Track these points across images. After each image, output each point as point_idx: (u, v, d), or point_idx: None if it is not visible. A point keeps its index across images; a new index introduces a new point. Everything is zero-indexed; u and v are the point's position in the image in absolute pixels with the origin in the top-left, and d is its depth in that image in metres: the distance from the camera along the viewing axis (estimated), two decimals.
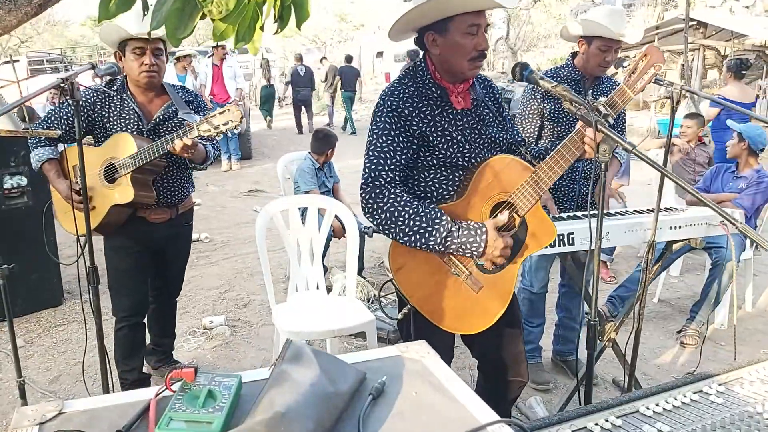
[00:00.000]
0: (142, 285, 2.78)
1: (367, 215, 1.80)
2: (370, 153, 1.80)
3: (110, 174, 2.52)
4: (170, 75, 8.72)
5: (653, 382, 3.09)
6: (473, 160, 1.86)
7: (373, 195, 1.77)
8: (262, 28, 1.03)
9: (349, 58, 14.60)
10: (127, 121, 2.58)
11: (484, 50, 1.78)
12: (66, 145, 2.63)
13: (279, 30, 1.08)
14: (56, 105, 2.57)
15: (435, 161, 1.84)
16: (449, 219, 1.76)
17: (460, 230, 1.75)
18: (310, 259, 3.11)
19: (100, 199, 2.53)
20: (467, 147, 1.86)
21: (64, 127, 2.53)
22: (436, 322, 1.85)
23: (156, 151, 2.41)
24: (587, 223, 2.40)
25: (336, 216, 3.38)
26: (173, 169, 2.72)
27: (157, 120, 2.63)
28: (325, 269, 3.68)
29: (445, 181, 1.87)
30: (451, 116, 1.85)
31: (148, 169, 2.53)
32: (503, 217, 1.79)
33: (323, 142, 4.46)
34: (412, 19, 1.78)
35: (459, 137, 1.84)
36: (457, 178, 1.87)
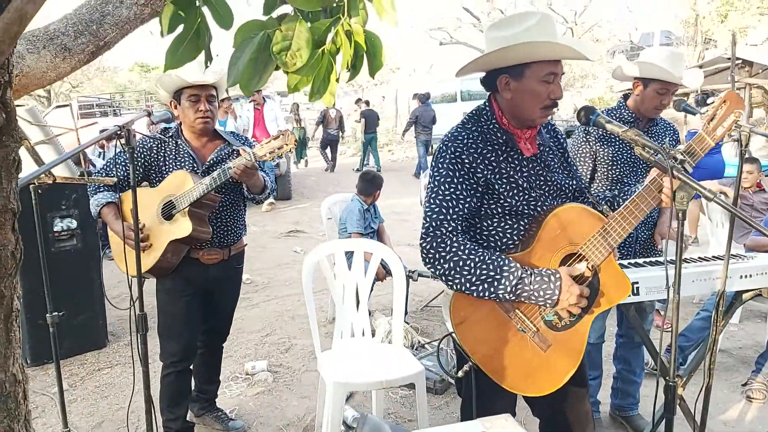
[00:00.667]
0: (192, 330, 2.75)
1: (429, 266, 1.74)
2: (431, 201, 1.75)
3: (168, 211, 2.57)
4: None
5: None
6: (539, 208, 1.79)
7: (434, 245, 1.71)
8: (337, 80, 0.99)
9: (367, 102, 15.54)
10: (182, 164, 2.66)
11: (557, 99, 1.73)
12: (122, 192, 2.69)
13: (350, 78, 1.05)
14: (114, 152, 2.63)
15: (499, 209, 1.78)
16: (518, 265, 1.68)
17: (533, 276, 1.67)
18: (356, 305, 3.05)
19: (158, 237, 2.57)
20: (533, 194, 1.79)
21: (122, 173, 2.62)
22: (499, 381, 1.75)
23: (213, 182, 2.46)
24: (652, 272, 2.29)
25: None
26: (228, 208, 2.75)
27: (211, 162, 2.70)
28: (369, 313, 3.61)
29: (509, 230, 1.80)
30: (516, 162, 1.80)
31: (204, 204, 2.57)
32: (581, 266, 1.70)
33: (371, 184, 4.46)
34: (490, 61, 1.74)
35: (525, 184, 1.78)
36: (522, 227, 1.80)
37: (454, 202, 1.73)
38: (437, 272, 1.72)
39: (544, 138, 1.90)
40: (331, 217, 4.66)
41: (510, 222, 1.79)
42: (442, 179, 1.75)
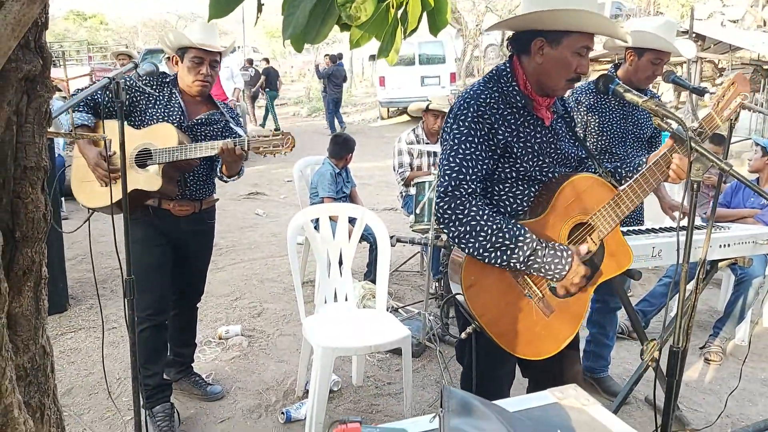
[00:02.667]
0: (165, 281, 2.69)
1: (443, 227, 1.73)
2: (450, 160, 1.73)
3: (142, 158, 2.47)
4: None
5: (683, 400, 3.05)
6: (548, 175, 1.81)
7: (453, 206, 1.69)
8: (405, 35, 0.93)
9: (267, 60, 16.65)
10: (170, 112, 2.58)
11: (583, 74, 1.73)
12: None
13: (407, 35, 0.99)
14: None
15: (513, 173, 1.78)
16: (534, 236, 1.69)
17: (546, 249, 1.69)
18: (338, 269, 3.02)
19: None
20: (546, 161, 1.80)
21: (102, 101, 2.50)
22: (503, 345, 1.77)
23: (197, 151, 2.39)
24: (643, 240, 2.36)
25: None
26: (203, 168, 2.70)
27: (199, 121, 2.63)
28: None
29: (520, 195, 1.81)
30: (532, 128, 1.79)
31: (180, 165, 2.50)
32: (583, 248, 1.73)
33: (342, 147, 4.38)
34: (533, 20, 1.69)
35: (539, 150, 1.78)
36: (532, 193, 1.81)
37: (473, 163, 1.71)
38: (451, 234, 1.72)
39: (557, 106, 1.90)
40: (291, 180, 4.58)
41: (521, 187, 1.80)
42: (463, 137, 1.73)
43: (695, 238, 2.43)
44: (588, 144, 2.77)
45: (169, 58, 2.63)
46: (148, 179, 2.45)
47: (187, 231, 2.70)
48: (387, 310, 4.06)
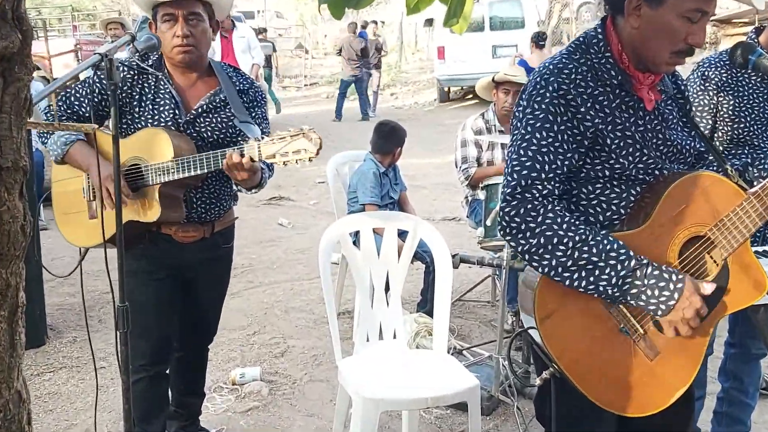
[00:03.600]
0: (166, 324, 2.73)
1: (510, 239, 1.73)
2: (521, 153, 1.73)
3: (132, 178, 2.48)
4: None
5: None
6: (654, 173, 1.78)
7: (522, 212, 1.69)
8: None
9: (264, 30, 16.78)
10: (161, 109, 2.55)
11: (696, 46, 1.69)
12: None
13: None
14: (79, 81, 2.53)
15: (607, 172, 1.76)
16: (631, 253, 1.66)
17: (648, 269, 1.66)
18: (384, 297, 3.03)
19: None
20: (651, 155, 1.77)
21: (85, 109, 2.52)
22: (590, 395, 1.74)
23: (200, 166, 2.37)
24: None
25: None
26: (214, 180, 2.67)
27: (199, 111, 2.59)
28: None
29: (615, 200, 1.79)
30: (632, 112, 1.77)
31: (184, 182, 2.50)
32: (708, 287, 1.68)
33: (389, 138, 4.40)
34: None
35: (642, 141, 1.76)
36: (632, 197, 1.79)
37: (552, 156, 1.71)
38: (520, 248, 1.71)
39: (666, 85, 1.87)
40: (323, 181, 4.63)
41: (617, 189, 1.78)
42: (538, 124, 1.72)
43: None
44: (720, 134, 2.71)
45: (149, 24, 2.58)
46: (143, 207, 2.46)
47: (195, 261, 2.70)
48: (448, 352, 4.05)
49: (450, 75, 15.05)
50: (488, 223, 3.68)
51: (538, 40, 10.60)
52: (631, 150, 1.75)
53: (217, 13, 2.62)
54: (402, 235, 3.08)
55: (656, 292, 1.65)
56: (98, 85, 2.52)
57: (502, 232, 1.74)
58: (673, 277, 1.66)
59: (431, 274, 4.03)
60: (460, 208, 5.51)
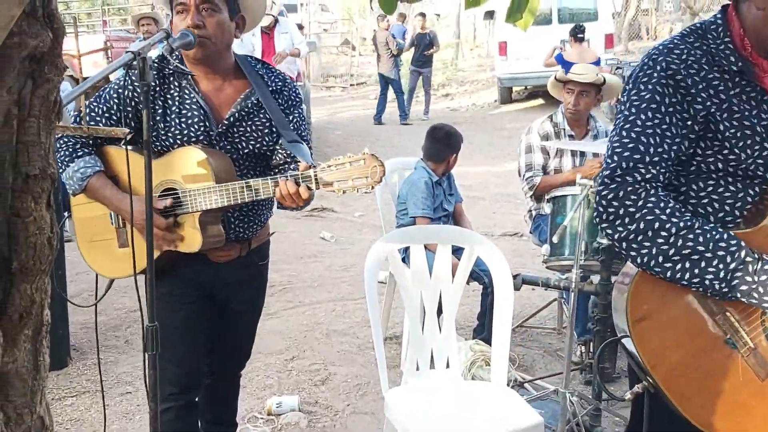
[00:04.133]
0: (196, 350, 2.76)
1: (606, 225, 1.75)
2: (625, 134, 1.76)
3: (168, 205, 2.49)
4: None
5: None
6: None
7: (621, 194, 1.72)
8: None
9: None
10: (189, 122, 2.52)
11: None
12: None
13: None
14: (102, 89, 2.57)
15: (720, 165, 1.78)
16: (743, 244, 1.67)
17: (761, 263, 1.66)
18: (436, 322, 3.03)
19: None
20: None
21: (105, 121, 2.52)
22: (687, 414, 1.73)
23: (248, 194, 2.37)
24: None
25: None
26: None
27: (231, 120, 2.55)
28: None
29: (730, 200, 1.79)
30: (754, 103, 1.77)
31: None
32: None
33: (443, 144, 4.40)
34: None
35: (765, 135, 1.76)
36: (749, 196, 1.79)
37: (658, 139, 1.73)
38: (617, 236, 1.73)
39: None
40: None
41: (732, 187, 1.79)
42: (644, 105, 1.75)
43: None
44: None
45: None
46: (183, 236, 2.47)
47: (230, 281, 2.72)
48: (508, 385, 4.02)
49: (512, 73, 14.97)
50: (555, 239, 3.65)
51: (577, 33, 11.37)
52: (749, 142, 1.75)
53: (245, 8, 2.57)
54: (457, 252, 3.08)
55: None
56: (122, 94, 2.52)
57: (597, 219, 1.77)
58: None
59: (489, 296, 4.01)
60: (522, 223, 5.48)
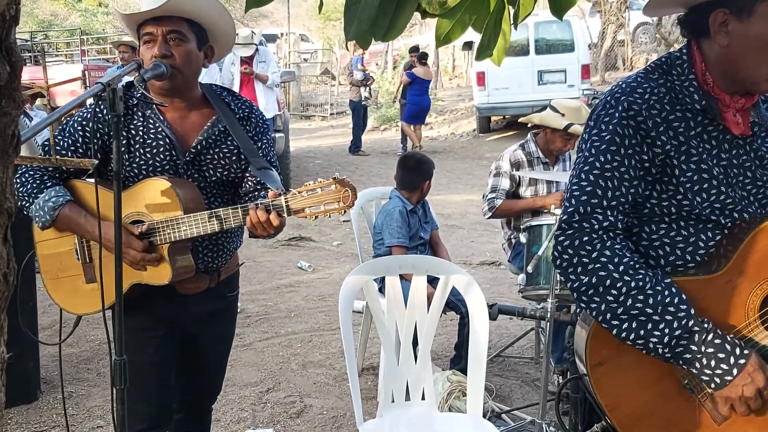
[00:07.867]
0: (166, 385, 2.73)
1: (561, 272, 1.76)
2: (583, 177, 1.76)
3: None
4: None
5: None
6: (733, 216, 1.76)
7: (577, 244, 1.71)
8: (515, 24, 0.94)
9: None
10: (154, 152, 2.50)
11: None
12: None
13: (516, 24, 0.99)
14: (65, 122, 2.54)
15: (674, 209, 1.77)
16: (692, 312, 1.66)
17: (708, 336, 1.65)
18: (412, 352, 3.02)
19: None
20: (731, 195, 1.76)
21: (70, 154, 2.49)
22: None
23: (218, 224, 2.35)
24: None
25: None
26: None
27: (198, 148, 2.53)
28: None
29: (681, 244, 1.78)
30: (714, 143, 1.77)
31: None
32: None
33: (415, 172, 4.41)
34: None
35: (721, 177, 1.75)
36: (701, 242, 1.77)
37: (615, 183, 1.73)
38: (569, 284, 1.74)
39: (762, 113, 1.85)
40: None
41: (684, 232, 1.78)
42: (603, 146, 1.75)
43: None
44: None
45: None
46: (152, 270, 2.44)
47: (199, 313, 2.70)
48: (484, 416, 4.01)
49: (490, 103, 15.08)
50: (530, 269, 3.66)
51: (421, 59, 14.60)
52: (705, 186, 1.75)
53: (214, 38, 2.56)
54: (433, 281, 3.07)
55: (712, 363, 1.65)
56: (85, 126, 2.50)
57: (553, 261, 1.76)
58: (737, 351, 1.65)
59: (466, 326, 4.01)
60: (501, 251, 5.48)
